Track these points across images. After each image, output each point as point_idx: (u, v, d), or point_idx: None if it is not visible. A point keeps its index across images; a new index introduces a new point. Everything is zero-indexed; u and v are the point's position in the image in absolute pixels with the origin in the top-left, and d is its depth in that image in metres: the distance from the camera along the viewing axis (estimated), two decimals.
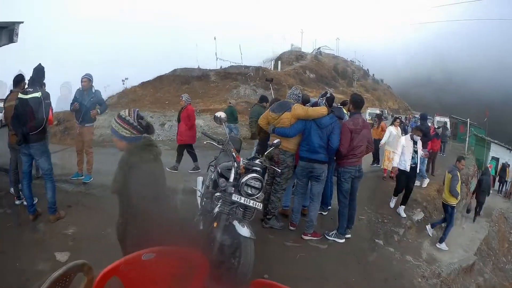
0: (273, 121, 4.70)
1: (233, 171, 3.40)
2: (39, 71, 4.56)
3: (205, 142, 4.09)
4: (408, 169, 6.39)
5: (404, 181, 6.53)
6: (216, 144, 3.94)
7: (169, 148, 12.16)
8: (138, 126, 2.26)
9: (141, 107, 20.43)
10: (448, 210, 6.52)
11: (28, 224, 4.46)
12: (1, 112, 17.29)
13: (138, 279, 1.92)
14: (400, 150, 6.48)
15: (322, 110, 4.49)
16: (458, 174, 6.49)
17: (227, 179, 3.43)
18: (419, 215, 7.08)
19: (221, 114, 3.80)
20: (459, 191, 6.47)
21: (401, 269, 4.49)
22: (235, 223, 3.19)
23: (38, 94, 4.36)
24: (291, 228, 4.79)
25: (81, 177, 6.20)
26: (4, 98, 5.38)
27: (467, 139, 20.81)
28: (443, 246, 6.45)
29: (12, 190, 5.23)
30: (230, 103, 13.01)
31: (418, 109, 49.43)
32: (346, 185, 4.62)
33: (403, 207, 6.65)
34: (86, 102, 5.94)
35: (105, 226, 4.35)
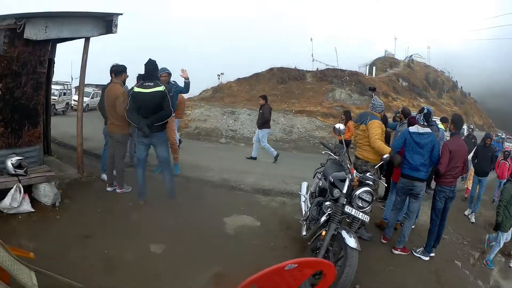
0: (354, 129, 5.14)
1: (347, 183, 3.41)
2: (152, 65, 4.57)
3: (323, 152, 4.29)
4: None
5: None
6: (332, 155, 4.10)
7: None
8: None
9: (237, 103, 20.70)
10: None
11: (121, 213, 4.48)
12: (88, 97, 18.51)
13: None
14: None
15: (386, 151, 4.32)
16: None
17: (338, 189, 3.44)
18: None
19: (340, 126, 4.04)
20: None
21: None
22: (344, 233, 3.21)
23: (161, 88, 4.45)
24: (383, 241, 4.77)
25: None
26: (104, 85, 5.43)
27: None
28: None
29: (104, 176, 5.39)
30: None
31: (500, 126, 46.13)
32: (440, 204, 4.53)
33: None
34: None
35: (203, 222, 4.42)
